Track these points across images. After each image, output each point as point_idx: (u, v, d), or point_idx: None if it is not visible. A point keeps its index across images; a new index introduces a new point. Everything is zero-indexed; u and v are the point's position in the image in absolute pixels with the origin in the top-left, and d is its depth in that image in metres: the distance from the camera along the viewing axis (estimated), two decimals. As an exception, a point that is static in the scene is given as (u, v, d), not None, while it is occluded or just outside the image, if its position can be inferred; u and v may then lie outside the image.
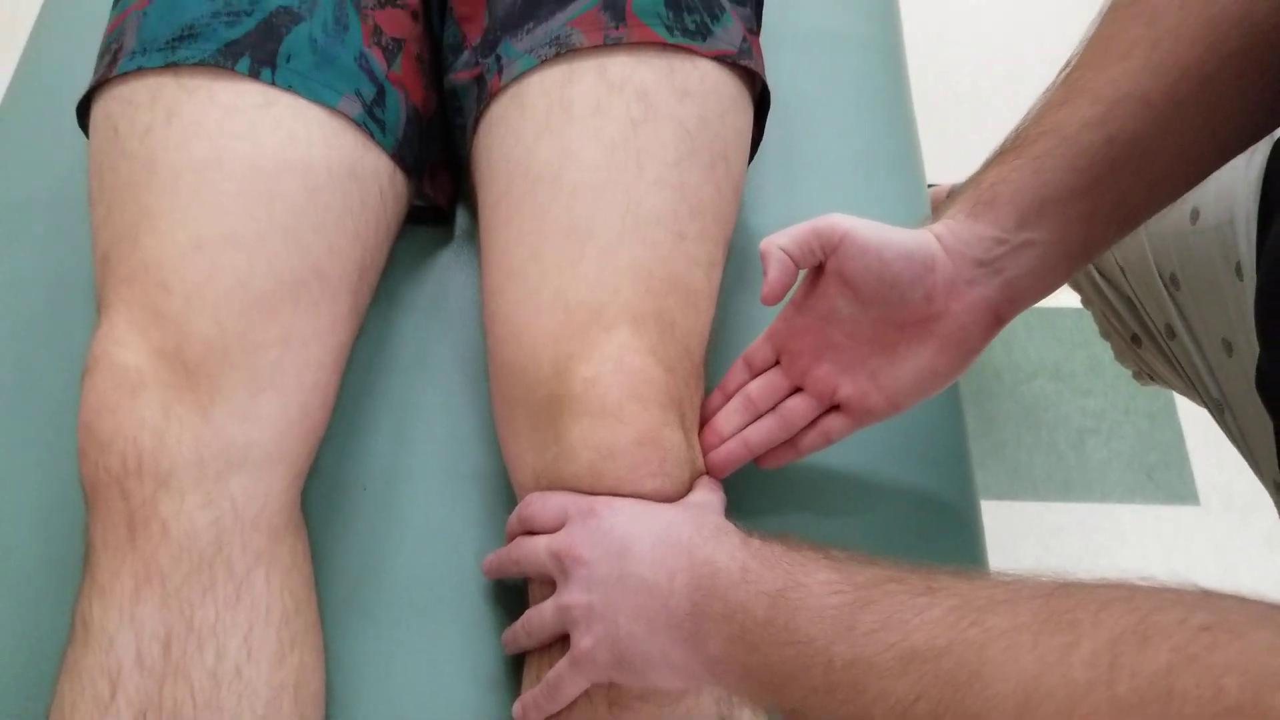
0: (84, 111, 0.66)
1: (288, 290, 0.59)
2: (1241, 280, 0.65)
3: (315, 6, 0.64)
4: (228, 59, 0.61)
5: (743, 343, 0.63)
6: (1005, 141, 0.55)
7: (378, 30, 0.66)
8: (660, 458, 0.55)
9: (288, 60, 0.62)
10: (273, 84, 0.61)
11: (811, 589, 0.44)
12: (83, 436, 0.55)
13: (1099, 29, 0.52)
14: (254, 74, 0.61)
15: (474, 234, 0.75)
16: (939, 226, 0.55)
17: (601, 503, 0.54)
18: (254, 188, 0.59)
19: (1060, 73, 0.53)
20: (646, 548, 0.50)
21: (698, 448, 0.59)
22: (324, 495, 0.65)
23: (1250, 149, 0.58)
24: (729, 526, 0.51)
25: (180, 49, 0.61)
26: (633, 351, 0.56)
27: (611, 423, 0.55)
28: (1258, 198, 0.63)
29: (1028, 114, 0.54)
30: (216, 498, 0.55)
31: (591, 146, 0.60)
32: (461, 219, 0.76)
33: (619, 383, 0.56)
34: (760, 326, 0.62)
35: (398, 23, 0.68)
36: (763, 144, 0.71)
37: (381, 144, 0.65)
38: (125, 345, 0.56)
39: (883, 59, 0.85)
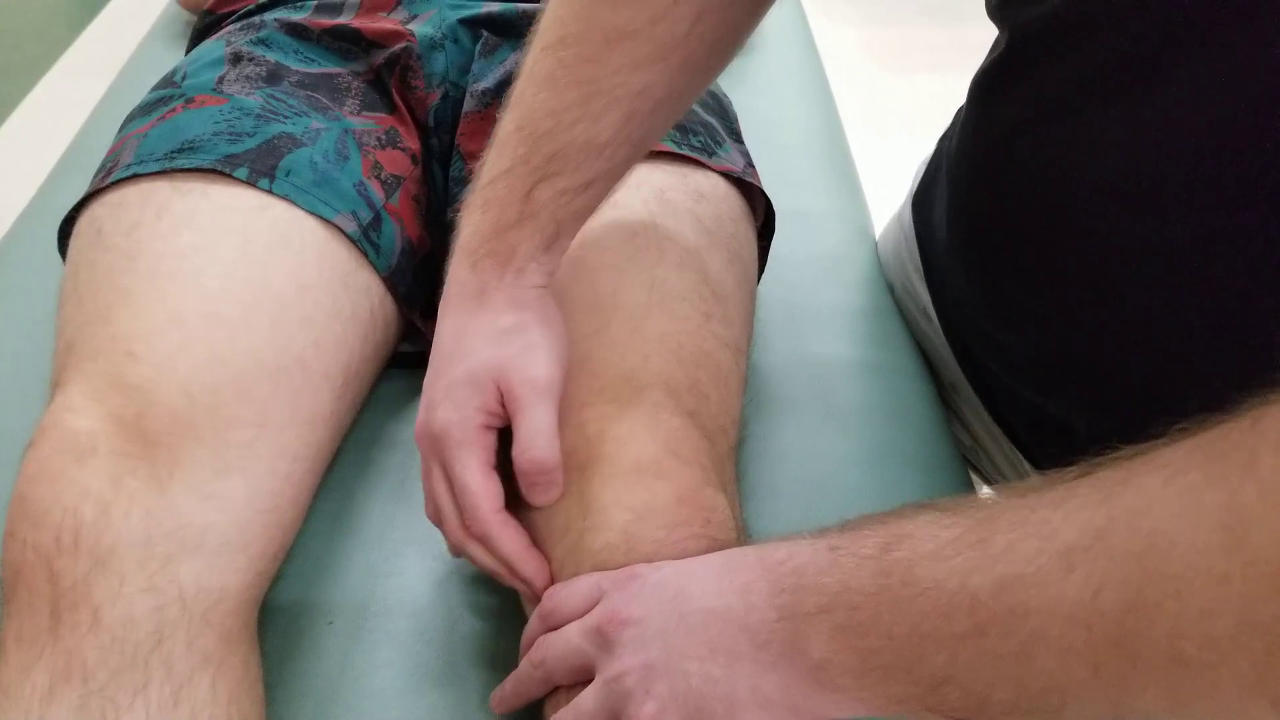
0: (66, 235, 0.64)
1: (267, 373, 0.55)
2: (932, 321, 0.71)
3: (318, 136, 0.65)
4: (227, 166, 0.60)
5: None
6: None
7: (378, 165, 0.67)
8: (704, 518, 0.48)
9: (287, 174, 0.62)
10: (270, 192, 0.61)
11: (918, 535, 0.37)
12: (12, 512, 0.48)
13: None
14: (251, 182, 0.60)
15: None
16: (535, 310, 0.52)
17: (641, 565, 0.46)
18: (241, 273, 0.57)
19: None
20: (707, 580, 0.42)
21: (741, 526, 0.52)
22: (285, 625, 0.56)
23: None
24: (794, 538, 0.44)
25: (178, 159, 0.61)
26: (668, 411, 0.52)
27: (648, 479, 0.49)
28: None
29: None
30: (162, 583, 0.47)
31: (611, 234, 0.59)
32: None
33: (655, 438, 0.50)
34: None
35: (398, 163, 0.68)
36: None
37: (375, 265, 0.63)
38: (78, 411, 0.50)
39: (854, 230, 0.87)
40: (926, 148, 0.77)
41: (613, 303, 0.55)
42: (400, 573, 0.60)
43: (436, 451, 0.51)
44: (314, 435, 0.57)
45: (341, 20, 0.72)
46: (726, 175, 0.65)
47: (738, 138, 0.71)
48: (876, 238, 0.88)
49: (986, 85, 0.55)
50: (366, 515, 0.62)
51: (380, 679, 0.55)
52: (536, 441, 0.49)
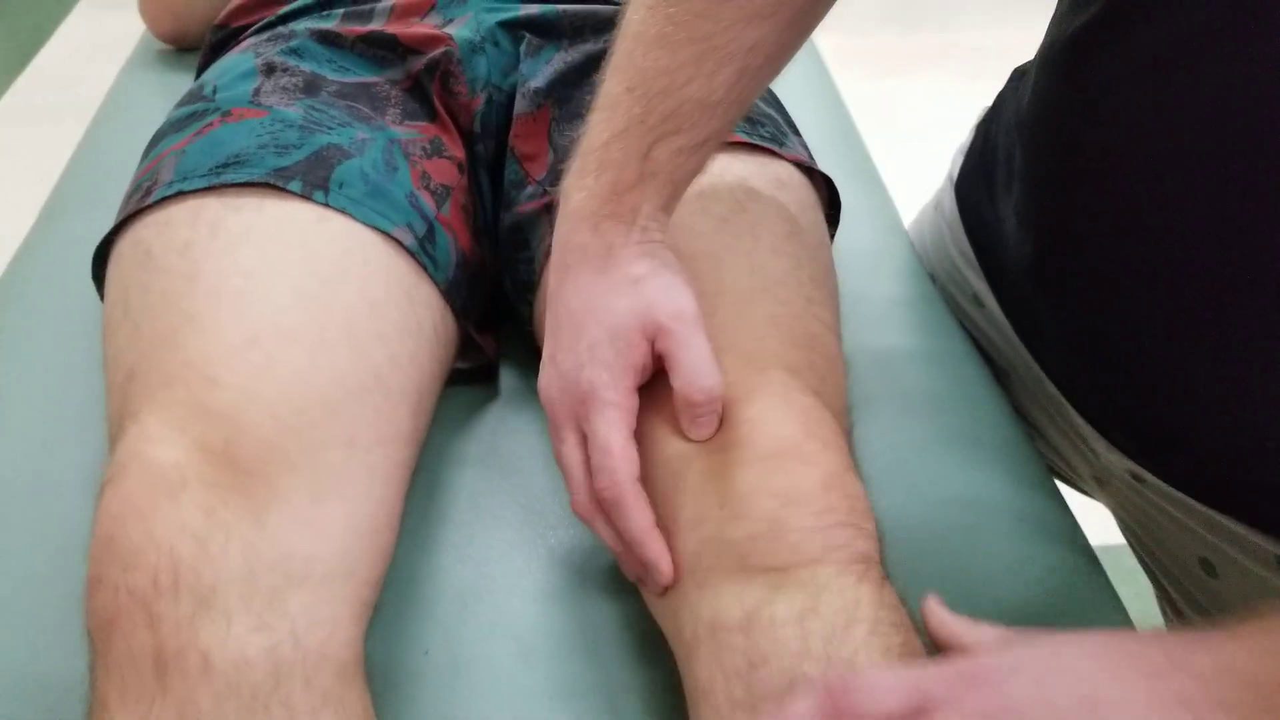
0: (101, 261, 0.61)
1: (350, 392, 0.52)
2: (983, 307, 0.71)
3: (364, 147, 0.62)
4: (279, 179, 0.57)
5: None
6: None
7: (426, 175, 0.64)
8: (849, 505, 0.46)
9: (340, 187, 0.59)
10: (326, 205, 0.58)
11: None
12: (98, 557, 0.45)
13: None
14: (306, 195, 0.58)
15: (522, 390, 0.69)
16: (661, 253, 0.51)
17: (981, 655, 0.39)
18: (311, 289, 0.54)
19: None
20: (1121, 687, 0.36)
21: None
22: (380, 657, 0.53)
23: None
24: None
25: (225, 174, 0.58)
26: (797, 390, 0.50)
27: (791, 463, 0.46)
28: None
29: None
30: (272, 621, 0.44)
31: (702, 220, 0.57)
32: (507, 377, 0.70)
33: (792, 419, 0.48)
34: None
35: (445, 172, 0.66)
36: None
37: (434, 278, 0.61)
38: (162, 441, 0.47)
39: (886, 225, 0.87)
40: (907, 149, 0.77)
41: (716, 288, 0.53)
42: (490, 593, 0.57)
43: (580, 412, 0.49)
44: (399, 455, 0.54)
45: (374, 27, 0.69)
46: (798, 165, 0.64)
47: (796, 130, 0.70)
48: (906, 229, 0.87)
49: (1075, 49, 0.54)
50: (445, 537, 0.60)
51: (486, 707, 0.52)
52: (704, 370, 0.48)
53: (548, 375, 0.52)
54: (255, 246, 0.55)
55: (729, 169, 0.60)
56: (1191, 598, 0.64)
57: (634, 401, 0.50)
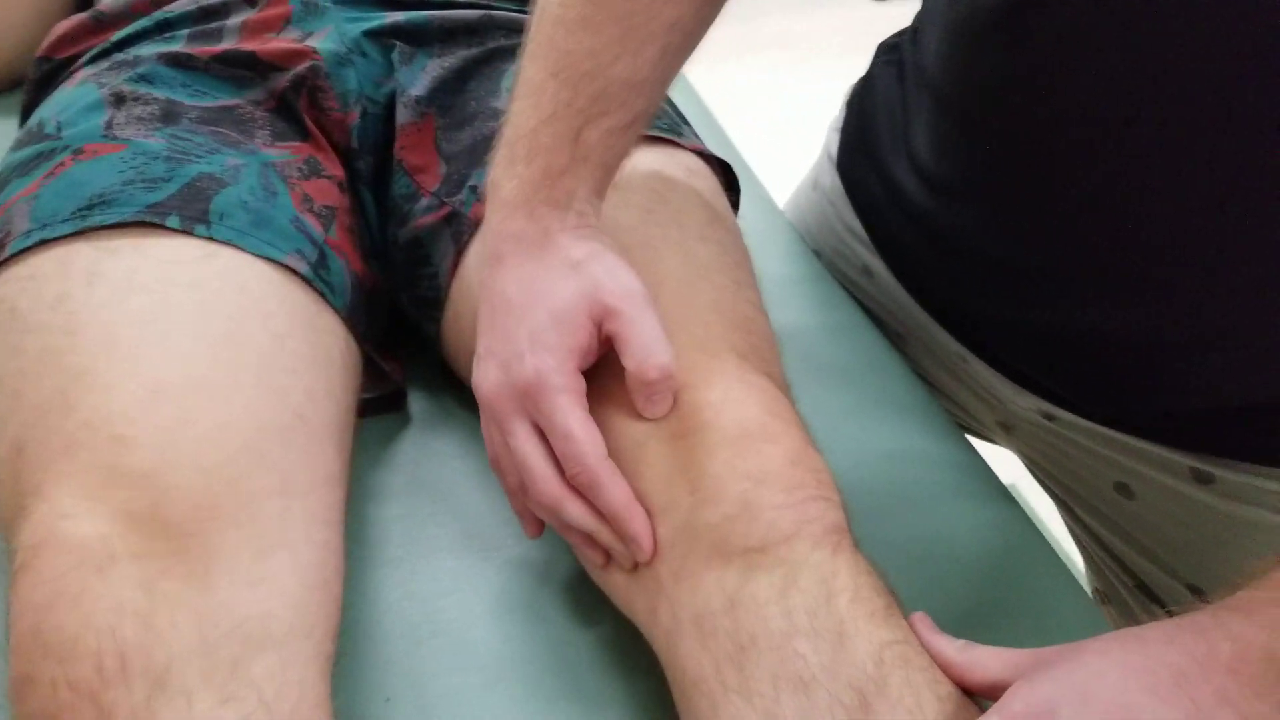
0: None
1: (275, 434, 0.48)
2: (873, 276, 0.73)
3: (239, 174, 0.58)
4: (155, 216, 0.53)
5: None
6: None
7: (308, 198, 0.60)
8: (816, 479, 0.46)
9: (221, 218, 0.55)
10: (210, 239, 0.53)
11: None
12: (25, 653, 0.40)
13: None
14: (188, 230, 0.53)
15: (436, 413, 0.66)
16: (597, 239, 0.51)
17: (1023, 714, 0.38)
18: (211, 330, 0.50)
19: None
20: (1160, 702, 0.37)
21: None
22: (341, 713, 0.49)
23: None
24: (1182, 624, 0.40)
25: (93, 215, 0.53)
26: (751, 372, 0.49)
27: (757, 443, 0.46)
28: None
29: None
30: (238, 691, 0.41)
31: (627, 214, 0.56)
32: (416, 401, 0.67)
33: (753, 399, 0.48)
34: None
35: (327, 192, 0.62)
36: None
37: (334, 305, 0.57)
38: (78, 515, 0.42)
39: (761, 208, 0.88)
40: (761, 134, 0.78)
41: (655, 278, 0.52)
42: (445, 626, 0.54)
43: (528, 405, 0.47)
44: (334, 497, 0.50)
45: (228, 46, 0.64)
46: (698, 154, 0.64)
47: (686, 121, 0.70)
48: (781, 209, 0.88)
49: (1009, 19, 0.55)
50: (386, 576, 0.56)
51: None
52: (657, 347, 0.47)
53: (484, 370, 0.50)
54: (142, 291, 0.50)
55: (640, 161, 0.59)
56: (1107, 520, 0.68)
57: (582, 383, 0.48)
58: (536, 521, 0.52)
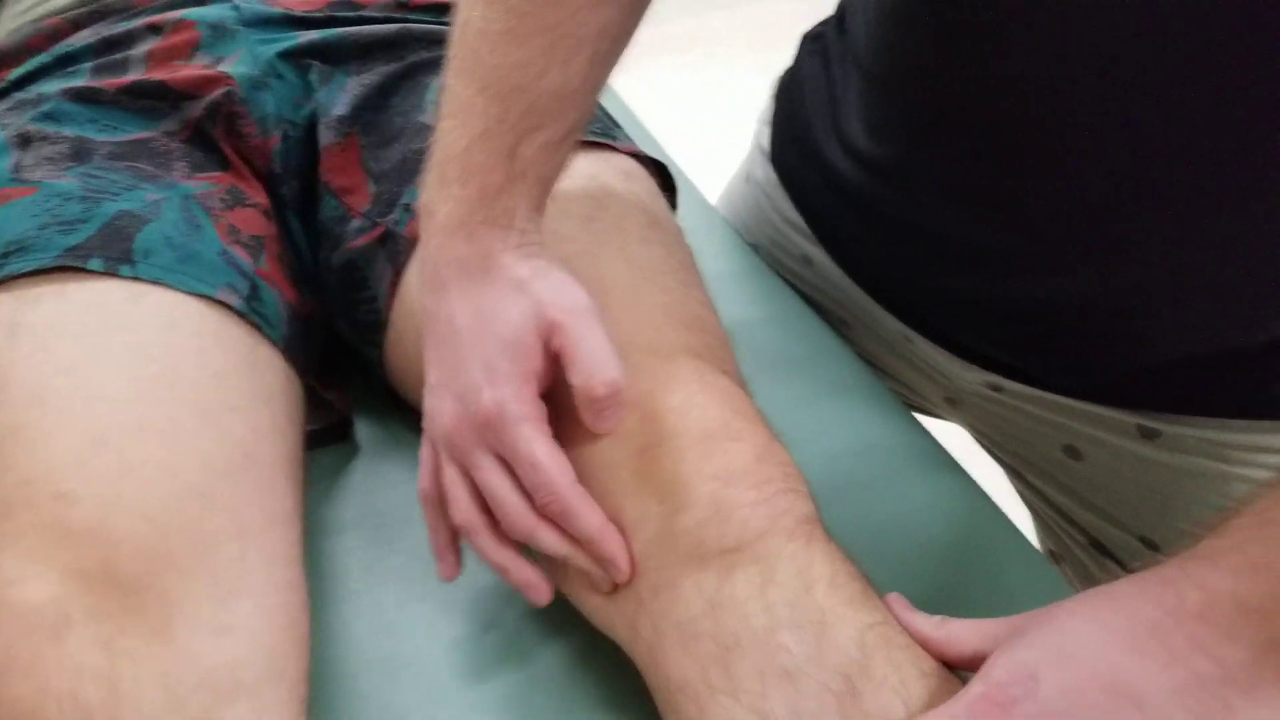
0: None
1: (224, 475, 0.46)
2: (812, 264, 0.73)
3: (160, 209, 0.56)
4: (76, 259, 0.50)
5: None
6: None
7: (234, 229, 0.58)
8: (784, 473, 0.46)
9: (146, 256, 0.52)
10: (136, 279, 0.51)
11: None
12: None
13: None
14: (111, 272, 0.51)
15: (384, 440, 0.64)
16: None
17: (1007, 684, 0.38)
18: (147, 372, 0.48)
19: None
20: (1133, 656, 0.37)
21: None
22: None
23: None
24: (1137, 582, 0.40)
25: (9, 264, 0.50)
26: (709, 372, 0.49)
27: (722, 443, 0.45)
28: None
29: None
30: (212, 747, 0.39)
31: (566, 223, 0.55)
32: (363, 429, 0.65)
33: (714, 400, 0.47)
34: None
35: (253, 222, 0.60)
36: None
37: (271, 338, 0.55)
38: (24, 580, 0.40)
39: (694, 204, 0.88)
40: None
41: (600, 286, 0.51)
42: (416, 656, 0.53)
43: (489, 437, 0.46)
44: (290, 533, 0.49)
45: (135, 76, 0.62)
46: (633, 156, 0.63)
47: (616, 123, 0.69)
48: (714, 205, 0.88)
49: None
50: (350, 610, 0.55)
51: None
52: (603, 361, 0.45)
53: (438, 404, 0.49)
54: (70, 339, 0.48)
55: (576, 168, 0.58)
56: (1057, 483, 0.69)
57: (543, 409, 0.47)
58: (456, 562, 0.51)
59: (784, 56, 0.78)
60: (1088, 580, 0.71)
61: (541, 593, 0.48)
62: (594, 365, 0.45)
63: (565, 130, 0.49)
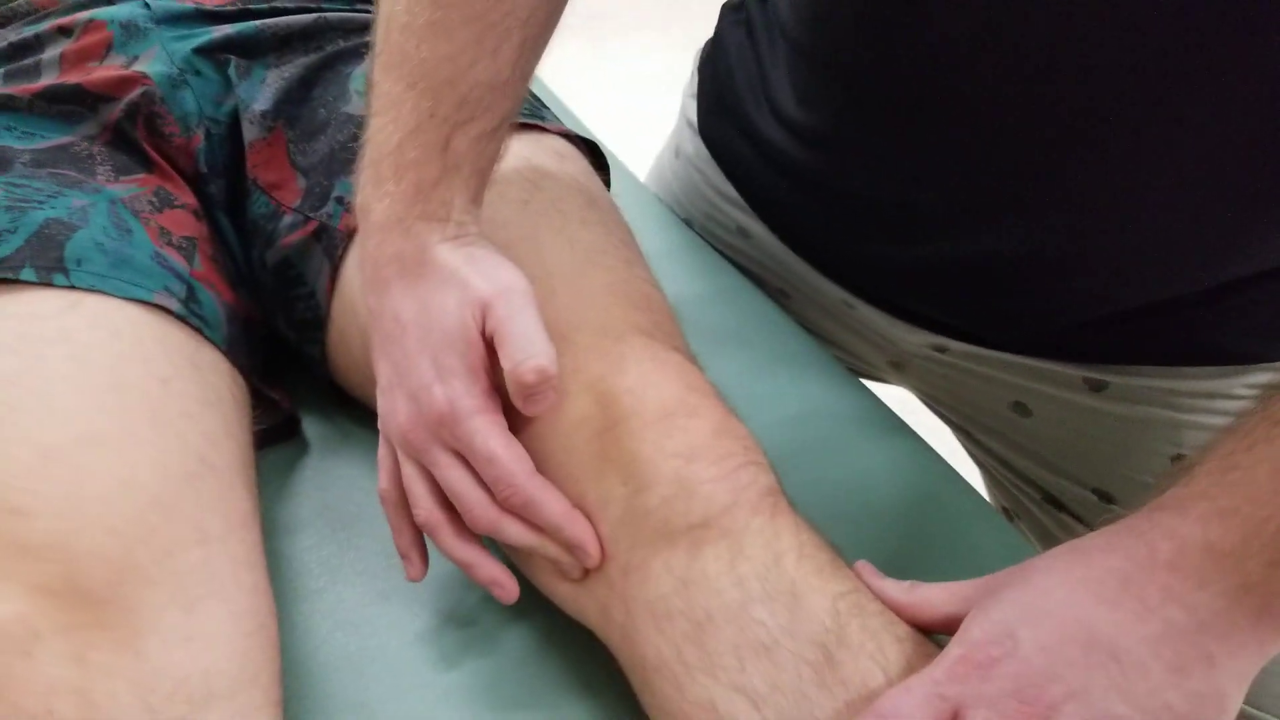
0: None
1: (181, 482, 0.45)
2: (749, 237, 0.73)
3: (87, 215, 0.54)
4: (7, 271, 0.49)
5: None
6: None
7: (165, 231, 0.57)
8: (743, 445, 0.46)
9: (79, 264, 0.51)
10: (72, 287, 0.50)
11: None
12: None
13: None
14: (45, 281, 0.50)
15: (331, 437, 0.63)
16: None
17: (984, 644, 0.38)
18: (91, 382, 0.47)
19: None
20: (1105, 608, 0.38)
21: None
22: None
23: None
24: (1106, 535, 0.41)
25: None
26: (661, 348, 0.49)
27: (681, 420, 0.46)
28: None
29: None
30: (190, 757, 0.38)
31: (503, 208, 0.54)
32: (310, 427, 0.64)
33: (669, 377, 0.47)
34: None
35: (183, 223, 0.59)
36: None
37: (212, 340, 0.54)
38: None
39: (622, 181, 0.88)
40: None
41: (543, 270, 0.51)
42: (383, 651, 0.52)
43: (444, 435, 0.46)
44: (251, 536, 0.48)
45: (49, 81, 0.60)
46: (563, 136, 0.63)
47: (544, 104, 0.69)
48: (643, 182, 0.88)
49: None
50: (312, 609, 0.54)
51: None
52: (535, 347, 0.44)
53: (391, 404, 0.48)
54: (8, 352, 0.46)
55: (509, 150, 0.58)
56: (1007, 440, 0.71)
57: (496, 401, 0.47)
58: (423, 561, 0.51)
59: (681, 30, 0.78)
60: (1044, 536, 0.73)
61: (507, 590, 0.48)
62: (524, 350, 0.45)
63: (498, 120, 0.48)
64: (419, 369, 0.47)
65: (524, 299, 0.46)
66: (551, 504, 0.45)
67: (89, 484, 0.43)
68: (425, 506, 0.48)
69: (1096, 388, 0.62)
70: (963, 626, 0.40)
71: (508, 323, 0.45)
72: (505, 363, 0.45)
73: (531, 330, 0.45)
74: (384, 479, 0.51)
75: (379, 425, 0.50)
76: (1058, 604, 0.39)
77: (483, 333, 0.46)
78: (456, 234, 0.48)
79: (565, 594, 0.49)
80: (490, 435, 0.45)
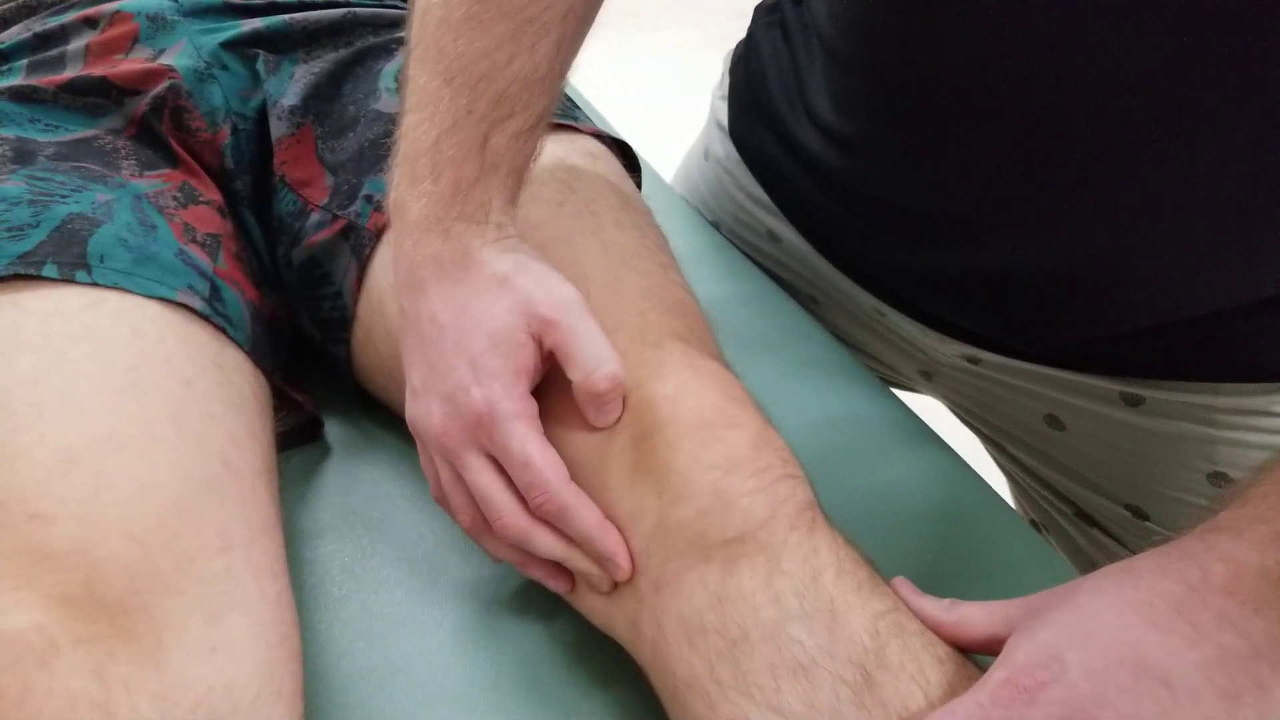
0: None
1: (204, 487, 0.44)
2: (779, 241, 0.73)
3: (111, 210, 0.53)
4: (29, 267, 0.48)
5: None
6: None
7: (189, 228, 0.56)
8: (781, 458, 0.45)
9: (101, 260, 0.50)
10: (94, 284, 0.49)
11: None
12: None
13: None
14: (68, 278, 0.48)
15: (355, 441, 0.62)
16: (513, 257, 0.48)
17: (1029, 667, 0.37)
18: (114, 383, 0.45)
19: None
20: (1156, 634, 0.37)
21: None
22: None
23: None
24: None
25: None
26: (699, 356, 0.48)
27: (719, 430, 0.44)
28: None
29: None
30: (212, 773, 0.37)
31: (537, 209, 0.53)
32: (333, 429, 0.63)
33: (707, 385, 0.46)
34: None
35: (208, 219, 0.58)
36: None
37: (236, 339, 0.53)
38: (6, 608, 0.38)
39: (652, 184, 0.86)
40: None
41: (578, 273, 0.50)
42: (407, 661, 0.51)
43: (480, 437, 0.45)
44: (275, 543, 0.47)
45: (74, 73, 0.59)
46: (596, 137, 0.62)
47: (576, 105, 0.68)
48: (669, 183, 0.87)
49: None
50: (335, 617, 0.53)
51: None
52: (602, 355, 0.44)
53: (424, 406, 0.47)
54: (29, 350, 0.45)
55: (544, 150, 0.57)
56: (1039, 453, 0.69)
57: (534, 407, 0.46)
58: (564, 578, 0.49)
59: (699, 30, 0.77)
60: (1074, 550, 0.72)
61: (562, 579, 0.48)
62: (594, 360, 0.45)
63: (535, 118, 0.47)
64: (456, 371, 0.46)
65: (581, 309, 0.46)
66: (585, 513, 0.44)
67: (110, 489, 0.42)
68: (465, 511, 0.48)
69: (1132, 402, 0.61)
70: (1006, 648, 0.39)
71: (573, 334, 0.45)
72: (576, 374, 0.45)
73: (599, 340, 0.45)
74: (434, 487, 0.50)
75: (410, 430, 0.49)
76: (1106, 627, 0.37)
77: (538, 343, 0.46)
78: (497, 236, 0.47)
79: (594, 607, 0.48)
80: (528, 439, 0.44)
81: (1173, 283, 0.54)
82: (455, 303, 0.46)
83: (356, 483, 0.60)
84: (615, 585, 0.46)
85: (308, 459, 0.61)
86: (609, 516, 0.45)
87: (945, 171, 0.57)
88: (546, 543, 0.45)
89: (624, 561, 0.44)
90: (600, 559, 0.45)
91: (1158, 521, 0.64)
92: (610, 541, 0.44)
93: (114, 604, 0.39)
